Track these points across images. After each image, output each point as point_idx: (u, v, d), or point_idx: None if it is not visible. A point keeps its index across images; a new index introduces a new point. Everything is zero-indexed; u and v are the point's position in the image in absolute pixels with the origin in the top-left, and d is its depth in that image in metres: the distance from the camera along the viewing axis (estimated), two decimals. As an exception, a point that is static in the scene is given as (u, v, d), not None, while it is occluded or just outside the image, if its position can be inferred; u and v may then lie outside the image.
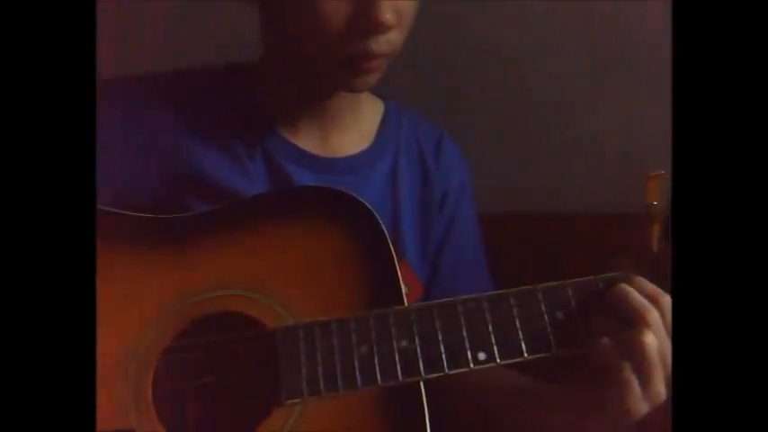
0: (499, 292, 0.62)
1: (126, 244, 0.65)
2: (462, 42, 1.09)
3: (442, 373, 0.59)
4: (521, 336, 0.60)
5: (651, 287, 0.60)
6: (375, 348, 0.60)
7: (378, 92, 0.85)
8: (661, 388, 0.58)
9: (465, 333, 0.60)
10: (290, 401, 0.59)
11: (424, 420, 0.58)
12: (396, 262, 0.64)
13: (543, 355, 0.60)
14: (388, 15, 0.65)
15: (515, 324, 0.60)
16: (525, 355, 0.60)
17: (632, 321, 0.59)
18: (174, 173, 0.73)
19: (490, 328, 0.60)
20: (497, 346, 0.60)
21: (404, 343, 0.60)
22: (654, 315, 0.59)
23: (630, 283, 0.61)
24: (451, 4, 1.07)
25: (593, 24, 1.05)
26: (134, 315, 0.62)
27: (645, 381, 0.58)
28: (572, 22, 1.06)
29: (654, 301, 0.59)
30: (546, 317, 0.61)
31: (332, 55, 0.68)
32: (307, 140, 0.78)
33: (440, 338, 0.60)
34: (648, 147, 0.83)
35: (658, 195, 0.63)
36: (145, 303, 0.63)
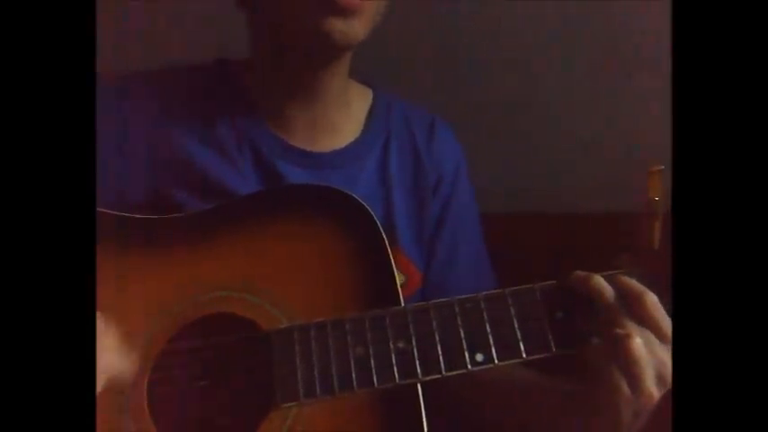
0: (496, 291, 0.61)
1: (119, 245, 0.64)
2: (463, 42, 1.08)
3: (439, 376, 0.58)
4: (519, 336, 0.59)
5: (635, 285, 0.59)
6: (371, 349, 0.59)
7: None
8: (652, 388, 0.56)
9: (462, 334, 0.59)
10: (287, 404, 0.58)
11: (422, 422, 0.57)
12: (392, 261, 0.63)
13: (542, 355, 0.59)
14: None
15: (513, 324, 0.59)
16: (524, 355, 0.59)
17: (616, 322, 0.58)
18: (165, 169, 0.72)
19: (488, 328, 0.59)
20: (495, 347, 0.59)
21: (400, 344, 0.59)
22: (638, 314, 0.57)
23: (616, 282, 0.59)
24: (453, 3, 1.05)
25: (594, 23, 1.04)
26: (128, 317, 0.61)
27: (634, 384, 0.56)
28: (573, 22, 1.05)
29: (637, 299, 0.58)
30: (544, 316, 0.60)
31: None
32: (296, 135, 0.77)
33: (437, 339, 0.59)
34: (649, 146, 0.82)
35: (659, 191, 0.61)
36: (139, 305, 0.62)
